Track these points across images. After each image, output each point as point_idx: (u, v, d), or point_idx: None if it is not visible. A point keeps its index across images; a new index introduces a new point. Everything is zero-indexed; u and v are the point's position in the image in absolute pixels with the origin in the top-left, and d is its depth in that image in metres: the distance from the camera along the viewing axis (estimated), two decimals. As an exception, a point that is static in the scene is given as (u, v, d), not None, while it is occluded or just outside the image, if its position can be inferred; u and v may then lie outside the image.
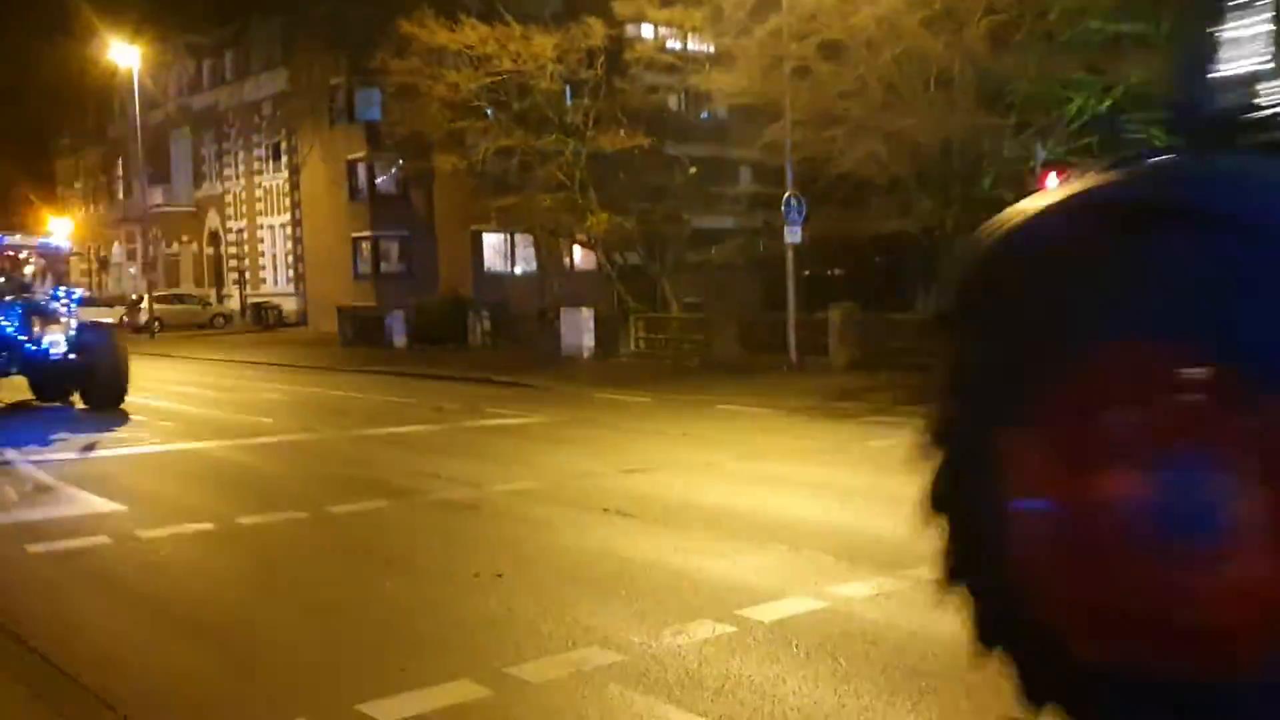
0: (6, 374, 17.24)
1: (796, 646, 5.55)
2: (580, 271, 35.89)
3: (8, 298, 17.96)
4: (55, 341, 17.08)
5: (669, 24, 27.63)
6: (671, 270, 30.11)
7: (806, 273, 28.72)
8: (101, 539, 8.30)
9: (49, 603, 6.76)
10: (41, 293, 18.62)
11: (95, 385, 17.38)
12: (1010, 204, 3.67)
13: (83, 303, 20.21)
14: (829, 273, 36.76)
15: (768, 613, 6.07)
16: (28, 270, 19.28)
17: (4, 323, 17.29)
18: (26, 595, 6.97)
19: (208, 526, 8.68)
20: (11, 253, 19.18)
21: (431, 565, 7.43)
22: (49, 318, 17.43)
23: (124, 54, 42.30)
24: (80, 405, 17.66)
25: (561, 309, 27.42)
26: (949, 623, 5.97)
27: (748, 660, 5.38)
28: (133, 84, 42.54)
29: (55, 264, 19.71)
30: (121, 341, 18.37)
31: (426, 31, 26.69)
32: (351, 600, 6.68)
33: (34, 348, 16.97)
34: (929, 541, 3.91)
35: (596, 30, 26.25)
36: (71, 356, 17.13)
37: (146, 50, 43.53)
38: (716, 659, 5.40)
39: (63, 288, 19.03)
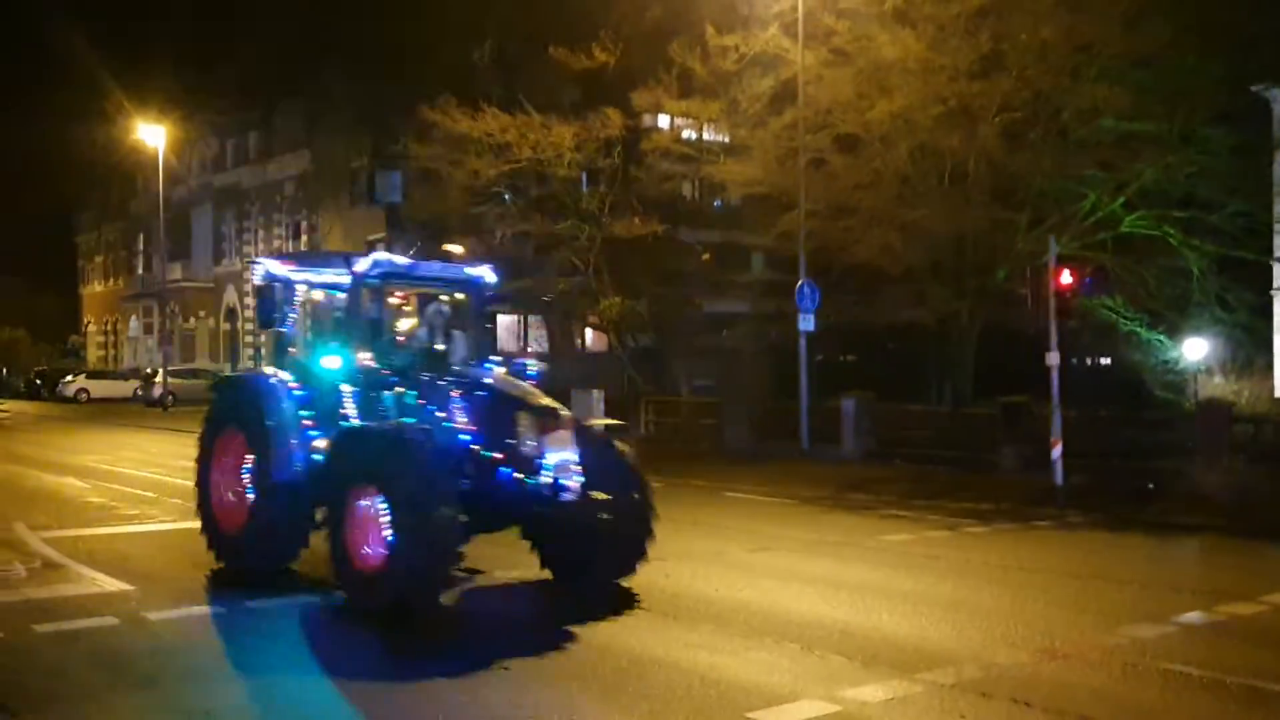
0: (464, 528, 8.25)
1: (809, 753, 5.44)
2: (591, 353, 36.03)
3: (435, 380, 9.36)
4: (566, 463, 8.70)
5: (685, 115, 28.15)
6: (683, 353, 30.21)
7: (819, 358, 28.77)
8: (109, 620, 8.25)
9: (51, 685, 6.68)
10: (457, 360, 10.07)
11: (606, 546, 9.25)
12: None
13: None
14: (842, 359, 36.83)
15: (779, 717, 5.96)
16: (429, 318, 10.35)
17: (446, 421, 8.97)
18: (30, 677, 6.90)
19: (217, 609, 8.62)
20: (404, 292, 10.35)
21: (436, 657, 7.34)
22: (545, 416, 8.81)
23: (150, 133, 43.24)
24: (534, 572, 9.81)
25: (572, 390, 27.43)
26: (966, 733, 5.87)
27: (759, 767, 5.27)
28: (157, 161, 43.42)
29: (465, 310, 10.54)
30: (638, 465, 9.72)
31: (449, 119, 27.23)
32: (352, 697, 6.58)
33: (519, 476, 8.59)
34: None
35: (614, 121, 26.78)
36: (594, 496, 8.87)
37: (172, 129, 44.49)
38: (727, 764, 5.29)
39: (496, 355, 10.64)
